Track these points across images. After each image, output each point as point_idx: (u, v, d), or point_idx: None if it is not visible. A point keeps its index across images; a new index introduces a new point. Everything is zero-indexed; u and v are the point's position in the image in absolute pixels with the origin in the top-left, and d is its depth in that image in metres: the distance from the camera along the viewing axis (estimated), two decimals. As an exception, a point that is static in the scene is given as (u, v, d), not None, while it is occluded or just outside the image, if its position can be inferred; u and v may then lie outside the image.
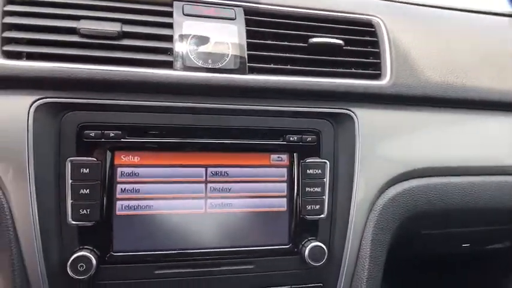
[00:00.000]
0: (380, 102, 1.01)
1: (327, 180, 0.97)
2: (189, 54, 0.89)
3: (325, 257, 0.94)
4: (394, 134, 1.02)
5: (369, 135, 0.99)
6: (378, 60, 1.02)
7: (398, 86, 1.00)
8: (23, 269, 0.82)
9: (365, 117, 0.99)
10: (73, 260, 0.82)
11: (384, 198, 1.00)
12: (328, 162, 0.97)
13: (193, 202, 0.91)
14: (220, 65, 0.90)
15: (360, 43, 1.02)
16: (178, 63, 0.88)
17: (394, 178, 1.00)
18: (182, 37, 0.89)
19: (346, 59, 0.99)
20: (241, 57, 0.91)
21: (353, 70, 1.00)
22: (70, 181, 0.85)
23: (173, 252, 0.90)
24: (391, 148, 1.01)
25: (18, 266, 0.82)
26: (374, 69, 1.02)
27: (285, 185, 0.96)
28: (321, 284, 0.98)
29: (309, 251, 0.93)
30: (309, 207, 0.96)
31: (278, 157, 0.96)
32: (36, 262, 0.82)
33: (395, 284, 1.46)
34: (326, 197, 0.97)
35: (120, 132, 0.87)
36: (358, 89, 0.97)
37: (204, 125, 0.91)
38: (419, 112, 1.05)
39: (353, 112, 0.98)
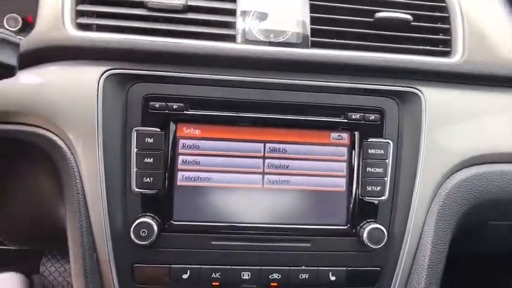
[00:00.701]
0: (450, 81, 0.96)
1: (389, 161, 0.93)
2: (252, 28, 0.89)
3: (385, 240, 0.91)
4: (463, 115, 0.96)
5: (436, 116, 0.94)
6: (449, 37, 0.96)
7: (470, 63, 0.94)
8: (90, 231, 0.86)
9: (433, 97, 0.94)
10: (136, 225, 0.85)
11: (450, 183, 0.94)
12: (391, 143, 0.93)
13: (251, 177, 0.91)
14: (282, 39, 0.89)
15: (429, 19, 0.97)
16: (240, 37, 0.89)
17: (462, 162, 0.95)
18: (245, 11, 0.89)
19: (414, 35, 0.95)
20: (304, 31, 0.90)
21: (421, 47, 0.95)
22: (135, 150, 0.87)
23: (230, 224, 0.90)
24: (460, 130, 0.95)
25: (85, 228, 0.86)
26: (444, 47, 0.96)
27: (344, 164, 0.93)
28: (379, 268, 0.95)
29: (368, 233, 0.90)
30: (369, 189, 0.93)
31: (338, 136, 0.93)
32: (102, 225, 0.86)
33: (455, 280, 1.39)
34: (388, 179, 0.93)
35: (183, 104, 0.88)
36: (427, 66, 0.92)
37: (264, 100, 0.91)
38: (492, 93, 0.98)
39: (420, 91, 0.93)
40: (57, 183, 0.90)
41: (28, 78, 0.86)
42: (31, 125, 0.86)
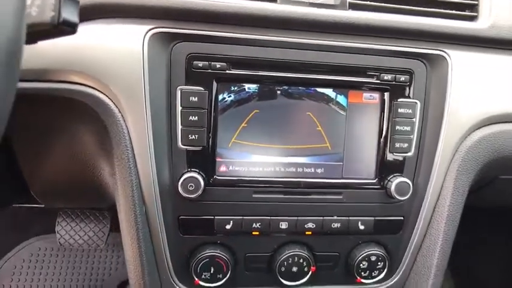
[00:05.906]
0: (475, 44, 1.01)
1: (416, 120, 0.99)
2: None
3: (410, 192, 0.98)
4: (486, 77, 1.02)
5: (461, 77, 0.99)
6: (475, 2, 1.00)
7: (496, 28, 0.99)
8: (139, 187, 0.91)
9: (458, 59, 0.99)
10: (184, 180, 0.89)
11: (470, 140, 1.02)
12: (418, 103, 0.99)
13: None
14: (321, 0, 0.92)
15: None
16: (280, -2, 0.91)
17: (482, 121, 1.01)
18: None
19: None
20: (341, -6, 0.92)
21: (450, 11, 0.99)
22: (180, 108, 0.90)
23: (269, 179, 0.96)
24: (482, 91, 1.01)
25: (135, 183, 0.90)
26: (471, 11, 1.00)
27: (375, 122, 0.99)
28: (402, 218, 1.04)
29: (395, 186, 0.97)
30: (397, 145, 0.99)
31: (370, 96, 0.98)
32: (150, 180, 0.90)
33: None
34: (414, 136, 1.00)
35: (225, 64, 0.91)
36: (454, 30, 0.97)
37: (302, 60, 0.94)
38: (514, 57, 1.04)
39: (447, 53, 0.98)
40: (100, 141, 0.93)
41: (73, 36, 0.87)
42: (78, 83, 0.87)
